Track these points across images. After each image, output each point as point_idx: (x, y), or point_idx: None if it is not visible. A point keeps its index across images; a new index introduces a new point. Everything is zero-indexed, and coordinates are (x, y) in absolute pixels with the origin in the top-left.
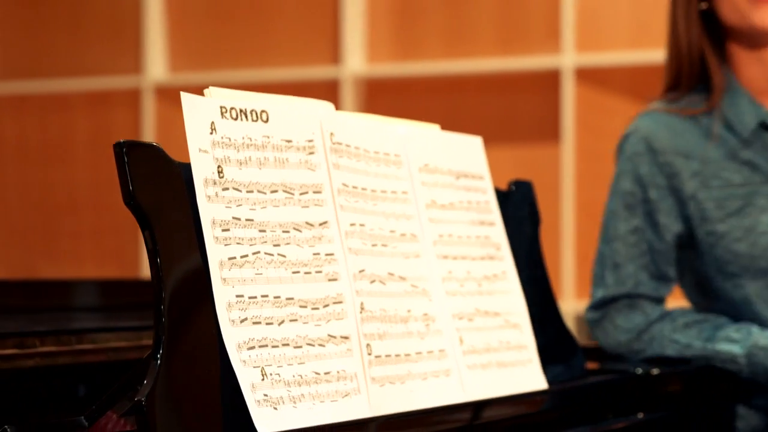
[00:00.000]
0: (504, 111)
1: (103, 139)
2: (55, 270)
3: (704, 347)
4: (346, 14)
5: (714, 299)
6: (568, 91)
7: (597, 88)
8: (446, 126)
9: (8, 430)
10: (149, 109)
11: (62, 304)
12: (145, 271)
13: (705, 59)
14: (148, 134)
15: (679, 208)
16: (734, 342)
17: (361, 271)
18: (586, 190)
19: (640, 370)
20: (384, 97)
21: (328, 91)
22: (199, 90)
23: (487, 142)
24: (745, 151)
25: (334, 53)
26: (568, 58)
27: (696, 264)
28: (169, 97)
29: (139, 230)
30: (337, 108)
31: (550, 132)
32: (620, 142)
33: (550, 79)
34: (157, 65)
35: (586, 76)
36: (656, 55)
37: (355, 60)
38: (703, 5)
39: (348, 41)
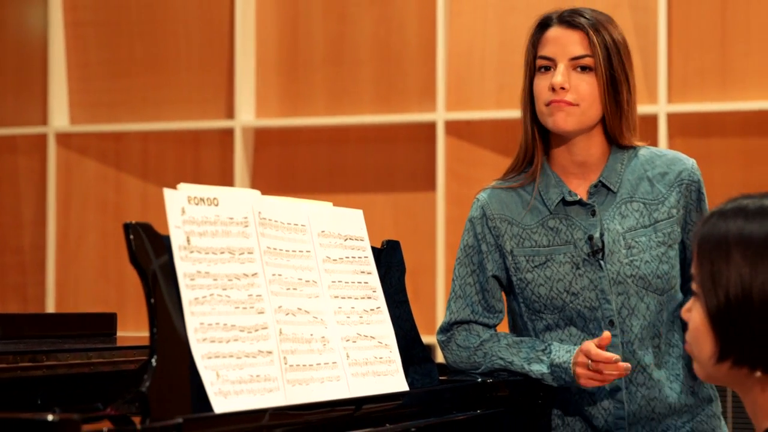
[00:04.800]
0: (383, 162)
1: (9, 182)
2: None
3: (522, 366)
4: (238, 73)
5: (522, 330)
6: (441, 144)
7: (466, 141)
8: (331, 175)
9: (56, 410)
10: (52, 155)
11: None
12: (50, 306)
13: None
14: (51, 178)
15: (501, 260)
16: (541, 362)
17: (279, 307)
18: (456, 234)
19: (479, 379)
20: (272, 148)
21: (222, 141)
22: (99, 137)
23: (368, 190)
24: (551, 220)
25: (228, 108)
26: (441, 115)
27: (511, 304)
28: (71, 145)
29: (47, 270)
30: (230, 157)
31: (426, 180)
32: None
33: (426, 133)
34: (60, 117)
35: (457, 130)
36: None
37: (247, 115)
38: None
39: (240, 98)
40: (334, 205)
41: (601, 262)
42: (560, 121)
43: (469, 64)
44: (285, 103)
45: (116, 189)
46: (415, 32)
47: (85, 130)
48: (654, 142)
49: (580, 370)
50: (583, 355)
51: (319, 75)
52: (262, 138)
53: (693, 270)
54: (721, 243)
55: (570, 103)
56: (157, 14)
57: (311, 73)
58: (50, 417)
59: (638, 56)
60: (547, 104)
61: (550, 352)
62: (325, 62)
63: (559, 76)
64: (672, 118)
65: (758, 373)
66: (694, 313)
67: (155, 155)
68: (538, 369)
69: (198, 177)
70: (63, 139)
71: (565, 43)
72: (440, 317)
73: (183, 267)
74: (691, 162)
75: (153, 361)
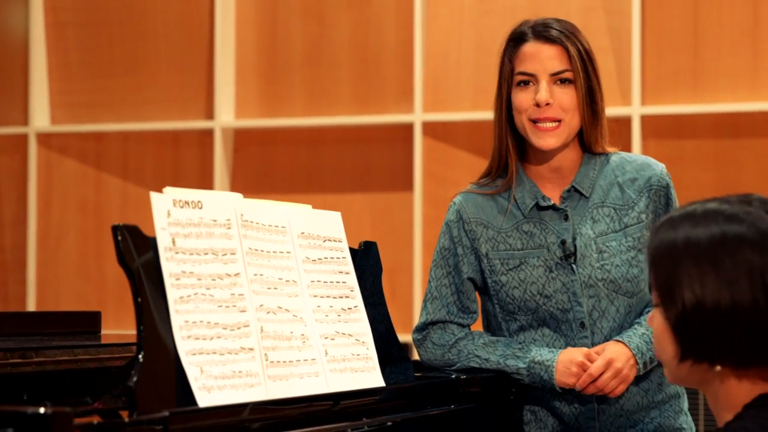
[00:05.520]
0: (361, 162)
1: None
2: None
3: (498, 362)
4: (217, 74)
5: (496, 330)
6: (418, 145)
7: (442, 142)
8: (309, 175)
9: (47, 404)
10: (33, 155)
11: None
12: (31, 305)
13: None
14: (32, 178)
15: (477, 262)
16: (518, 358)
17: (261, 306)
18: (433, 233)
19: (453, 376)
20: (251, 148)
21: (202, 141)
22: (80, 137)
23: (346, 191)
24: (526, 224)
25: (207, 109)
26: (418, 116)
27: (486, 305)
28: (51, 145)
29: (28, 269)
30: (209, 157)
31: (404, 181)
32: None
33: (403, 134)
34: (41, 117)
35: (433, 131)
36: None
37: (226, 116)
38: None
39: (219, 98)
40: (312, 205)
41: (573, 266)
42: (550, 143)
43: (445, 66)
44: (264, 104)
45: (96, 189)
46: (393, 34)
47: (65, 130)
48: (627, 144)
49: (578, 370)
50: (585, 358)
51: (297, 76)
52: (241, 138)
53: (650, 280)
54: (672, 251)
55: (555, 120)
56: (137, 16)
57: (290, 74)
58: (43, 410)
59: (612, 59)
60: (534, 121)
61: (529, 351)
62: (304, 64)
63: (543, 93)
64: (645, 119)
65: (718, 368)
66: (655, 320)
67: (135, 155)
68: (514, 364)
69: (177, 177)
70: (44, 139)
71: (544, 59)
72: (417, 316)
73: (168, 267)
74: (660, 167)
75: (140, 357)
